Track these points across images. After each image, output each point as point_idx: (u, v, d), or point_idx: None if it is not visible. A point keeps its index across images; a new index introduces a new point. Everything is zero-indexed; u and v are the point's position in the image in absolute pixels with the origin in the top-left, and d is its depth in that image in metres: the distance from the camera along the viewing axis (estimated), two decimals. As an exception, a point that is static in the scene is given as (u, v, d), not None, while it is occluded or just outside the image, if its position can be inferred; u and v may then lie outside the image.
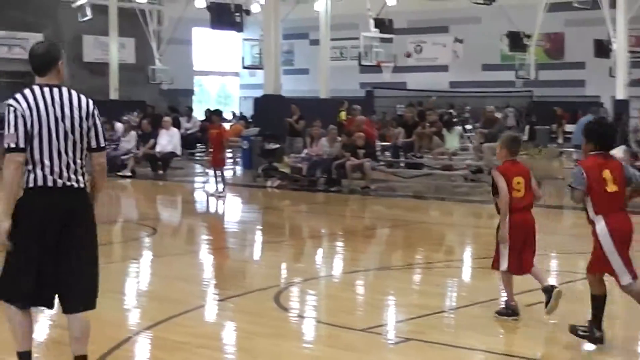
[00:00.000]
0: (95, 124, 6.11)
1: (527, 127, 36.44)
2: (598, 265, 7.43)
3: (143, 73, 49.51)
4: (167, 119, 26.31)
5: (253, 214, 18.97)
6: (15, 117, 5.86)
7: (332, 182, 21.45)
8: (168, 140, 24.84)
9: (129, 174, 24.34)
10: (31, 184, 5.91)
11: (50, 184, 5.91)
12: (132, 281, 11.04)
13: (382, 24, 36.48)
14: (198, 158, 29.06)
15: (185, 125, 29.80)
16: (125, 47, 48.99)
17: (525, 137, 36.74)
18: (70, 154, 5.97)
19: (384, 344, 7.98)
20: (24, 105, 5.90)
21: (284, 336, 8.13)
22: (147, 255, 13.04)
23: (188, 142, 28.19)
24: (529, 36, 41.37)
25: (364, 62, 36.75)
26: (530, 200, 8.45)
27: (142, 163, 25.32)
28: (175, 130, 25.81)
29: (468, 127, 31.08)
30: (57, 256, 6.00)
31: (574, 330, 7.59)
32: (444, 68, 47.32)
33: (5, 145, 5.82)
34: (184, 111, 33.25)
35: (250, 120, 32.86)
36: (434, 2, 43.36)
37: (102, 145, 6.18)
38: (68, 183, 5.97)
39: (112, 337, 7.77)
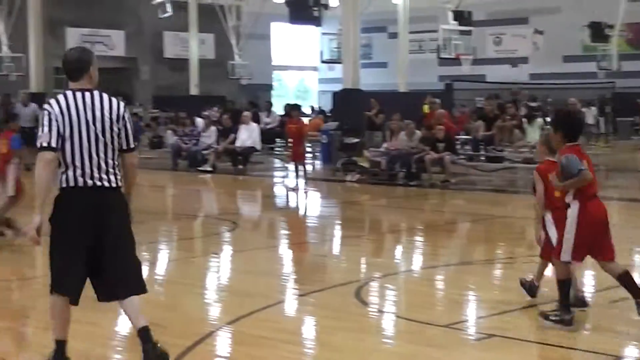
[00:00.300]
0: (125, 126, 6.44)
1: (602, 119, 35.81)
2: (559, 249, 7.90)
3: (223, 68, 49.94)
4: (247, 113, 26.48)
5: (332, 209, 18.98)
6: (49, 119, 6.23)
7: (411, 176, 21.37)
8: (248, 135, 24.99)
9: (210, 168, 24.57)
10: (64, 185, 6.31)
11: (81, 184, 6.27)
12: (213, 276, 11.14)
13: (461, 16, 36.21)
14: (277, 153, 29.20)
15: (265, 120, 29.95)
16: (205, 43, 49.48)
17: (602, 130, 36.20)
18: (102, 155, 6.30)
19: (466, 340, 7.92)
20: (57, 109, 6.26)
21: (365, 331, 8.13)
22: (227, 250, 13.13)
23: (268, 136, 28.33)
24: (611, 26, 40.67)
25: (442, 55, 36.55)
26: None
27: (223, 158, 25.52)
28: (254, 125, 25.96)
29: (549, 119, 30.66)
30: (95, 252, 6.35)
31: (545, 316, 7.99)
32: (523, 60, 46.78)
33: (38, 145, 6.23)
34: (263, 106, 33.42)
35: (329, 114, 32.90)
36: (514, -7, 42.91)
37: (132, 146, 6.51)
38: (99, 183, 6.29)
39: (195, 331, 7.85)
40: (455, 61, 39.09)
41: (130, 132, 6.48)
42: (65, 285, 6.41)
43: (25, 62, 38.36)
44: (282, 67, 57.77)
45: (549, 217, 8.52)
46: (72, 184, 6.28)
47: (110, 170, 6.35)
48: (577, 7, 40.00)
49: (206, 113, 31.06)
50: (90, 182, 6.28)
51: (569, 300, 7.97)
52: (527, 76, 46.40)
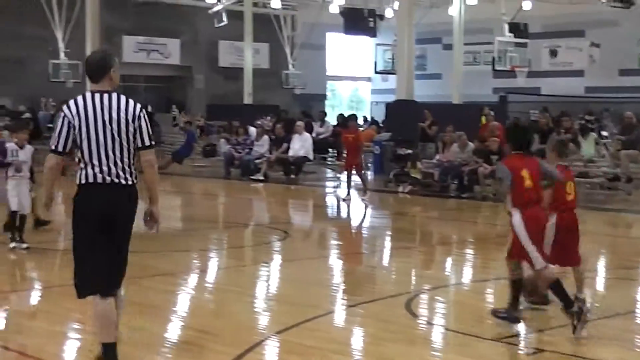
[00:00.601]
0: (140, 126, 6.68)
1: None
2: (516, 253, 8.43)
3: (277, 78, 50.15)
4: (300, 123, 26.54)
5: (384, 220, 18.93)
6: (62, 123, 6.63)
7: (464, 189, 21.25)
8: (300, 144, 25.05)
9: (262, 177, 24.66)
10: (83, 181, 6.64)
11: (100, 180, 6.59)
12: (263, 285, 11.16)
13: (517, 29, 35.97)
14: (330, 163, 29.21)
15: (318, 130, 29.99)
16: (260, 52, 49.70)
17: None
18: (118, 153, 6.60)
19: (516, 354, 7.86)
20: (74, 111, 6.61)
21: (415, 343, 8.09)
22: (278, 259, 13.15)
23: (320, 146, 28.36)
24: (668, 40, 40.14)
25: (497, 67, 36.31)
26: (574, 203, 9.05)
27: (275, 167, 25.59)
28: (307, 134, 26.01)
29: (604, 133, 30.33)
30: (106, 244, 6.66)
31: (494, 313, 8.67)
32: (579, 73, 46.31)
33: (50, 146, 6.68)
34: (316, 116, 33.47)
35: (382, 125, 32.86)
36: (570, 5, 42.46)
37: (148, 144, 6.75)
38: (116, 180, 6.61)
39: (245, 340, 7.87)
40: (510, 73, 38.80)
41: (145, 130, 6.70)
42: (95, 286, 6.64)
43: (81, 70, 38.81)
44: (336, 77, 57.82)
45: (553, 220, 8.79)
46: (91, 180, 6.60)
47: (126, 168, 6.65)
48: (635, 21, 39.49)
49: (259, 122, 31.19)
50: (108, 178, 6.59)
51: (518, 300, 8.60)
52: (583, 89, 45.93)
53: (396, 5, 34.65)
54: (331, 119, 34.35)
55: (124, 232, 6.80)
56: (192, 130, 29.16)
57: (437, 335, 8.65)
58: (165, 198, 16.17)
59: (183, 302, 9.95)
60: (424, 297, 10.18)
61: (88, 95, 6.65)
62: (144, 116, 6.73)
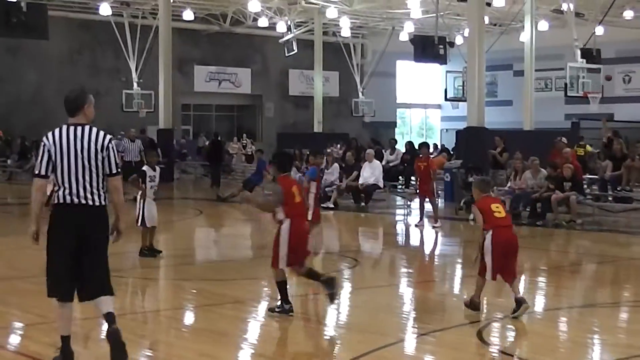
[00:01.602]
0: (109, 155, 7.63)
1: None
2: (276, 260, 10.06)
3: (346, 106, 50.29)
4: (370, 151, 26.54)
5: (454, 247, 18.79)
6: (43, 151, 7.59)
7: (536, 216, 21.01)
8: (371, 172, 25.03)
9: (332, 205, 24.67)
10: (56, 201, 7.58)
11: (69, 201, 7.53)
12: (333, 312, 11.13)
13: (590, 54, 35.56)
14: (400, 190, 29.12)
15: (388, 158, 29.95)
16: (330, 81, 49.95)
17: None
18: (87, 178, 7.54)
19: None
20: (51, 141, 7.56)
21: (486, 373, 7.99)
22: (348, 287, 13.12)
23: (390, 174, 28.30)
24: None
25: (570, 93, 35.90)
26: (510, 220, 10.60)
27: (345, 195, 25.59)
28: (377, 162, 25.98)
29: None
30: (78, 257, 7.56)
31: (271, 310, 10.19)
32: (651, 99, 45.66)
33: (34, 171, 7.63)
34: (386, 143, 33.43)
35: (452, 152, 32.70)
36: (644, 31, 41.95)
37: (115, 171, 7.68)
38: (84, 201, 7.54)
39: (314, 367, 7.85)
40: (583, 99, 38.38)
41: (112, 159, 7.66)
42: (58, 291, 7.62)
43: (154, 99, 39.36)
44: (405, 104, 57.79)
45: (489, 236, 10.30)
46: (62, 201, 7.55)
47: (95, 191, 7.59)
48: None
49: (329, 150, 31.25)
50: (76, 200, 7.53)
51: (287, 295, 10.16)
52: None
53: (466, 32, 34.54)
54: (401, 147, 34.26)
55: (95, 247, 7.64)
56: (263, 159, 29.31)
57: (510, 365, 8.53)
58: (236, 226, 16.31)
59: (253, 329, 9.97)
60: (496, 326, 10.06)
61: (64, 127, 7.61)
62: (112, 147, 7.67)
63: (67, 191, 7.54)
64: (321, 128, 44.02)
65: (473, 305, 10.46)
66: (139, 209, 14.73)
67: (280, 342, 9.23)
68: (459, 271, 15.26)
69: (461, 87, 41.31)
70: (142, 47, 40.96)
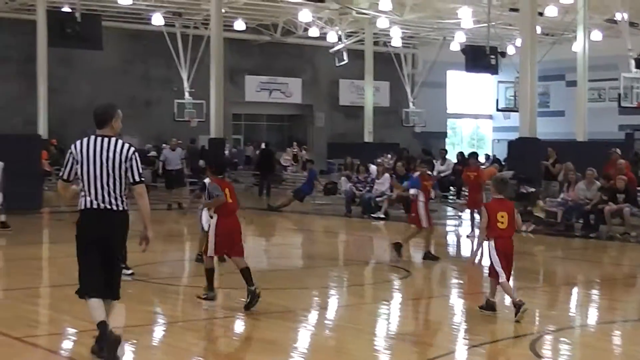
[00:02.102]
0: (132, 166, 8.26)
1: None
2: (207, 249, 11.41)
3: (397, 116, 50.19)
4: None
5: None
6: (68, 158, 8.34)
7: (589, 228, 20.78)
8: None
9: (383, 215, 24.61)
10: (82, 207, 8.29)
11: (95, 206, 8.20)
12: (384, 323, 11.10)
13: (644, 64, 35.16)
14: (451, 201, 28.96)
15: (439, 168, 29.81)
16: (380, 91, 49.88)
17: None
18: (111, 185, 8.20)
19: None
20: (78, 150, 8.27)
21: (539, 386, 7.90)
22: (398, 297, 13.07)
23: (442, 184, 28.14)
24: None
25: (623, 104, 35.53)
26: (511, 231, 10.87)
27: (396, 205, 25.53)
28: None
29: None
30: (100, 258, 8.25)
31: (200, 297, 11.45)
32: None
33: (60, 175, 8.50)
34: (437, 154, 33.31)
35: (503, 163, 32.49)
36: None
37: (138, 180, 8.31)
38: (108, 206, 8.20)
39: (364, 378, 7.82)
40: (637, 110, 37.95)
41: (135, 169, 8.26)
42: (89, 291, 8.25)
43: (205, 109, 39.57)
44: (456, 114, 57.55)
45: (491, 244, 10.78)
46: (88, 206, 8.23)
47: (118, 197, 8.24)
48: None
49: (379, 160, 31.19)
50: (102, 205, 8.19)
51: (213, 283, 11.53)
52: None
53: (518, 42, 34.35)
54: (452, 157, 34.13)
55: (115, 250, 8.37)
56: (313, 169, 29.37)
57: (563, 378, 8.43)
58: (286, 235, 16.35)
59: (303, 339, 9.96)
60: (549, 339, 9.95)
61: (92, 138, 8.28)
62: (135, 158, 8.30)
63: (92, 197, 8.22)
64: (371, 138, 43.97)
65: (489, 306, 10.99)
66: (201, 217, 14.92)
67: (331, 351, 9.20)
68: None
69: (513, 98, 41.07)
70: (193, 57, 41.23)
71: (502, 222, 10.81)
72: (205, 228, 14.81)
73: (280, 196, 30.84)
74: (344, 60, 45.00)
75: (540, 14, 34.01)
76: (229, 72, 44.52)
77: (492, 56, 34.95)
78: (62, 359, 8.65)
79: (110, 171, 8.18)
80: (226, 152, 40.18)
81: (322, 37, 44.60)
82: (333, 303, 12.59)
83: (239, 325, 10.64)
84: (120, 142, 8.28)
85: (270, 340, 9.44)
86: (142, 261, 15.41)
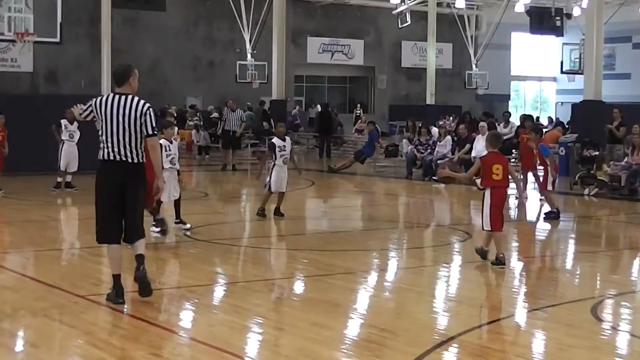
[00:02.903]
0: (146, 121, 8.94)
1: None
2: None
3: (459, 78, 49.81)
4: (484, 124, 26.23)
5: (568, 223, 18.47)
6: (89, 107, 9.09)
7: (653, 192, 20.51)
8: (484, 145, 24.71)
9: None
10: (101, 157, 9.00)
11: (112, 158, 8.93)
12: (444, 285, 11.11)
13: None
14: (513, 163, 28.70)
15: (502, 131, 29.51)
16: (443, 53, 49.53)
17: None
18: (127, 139, 8.90)
19: None
20: (98, 106, 9.00)
21: (599, 349, 7.87)
22: (459, 260, 13.06)
23: (504, 147, 27.90)
24: None
25: (691, 66, 34.87)
26: (506, 182, 11.74)
27: (457, 168, 25.40)
28: (490, 135, 25.65)
29: None
30: (121, 206, 8.97)
31: (152, 228, 13.12)
32: None
33: (79, 112, 9.27)
34: (500, 116, 33.02)
35: (567, 126, 32.12)
36: None
37: (151, 133, 9.02)
38: (124, 158, 8.92)
39: (425, 340, 7.86)
40: None
41: (149, 124, 8.95)
42: (107, 236, 9.05)
43: (267, 70, 39.62)
44: (520, 77, 56.93)
45: (487, 193, 11.64)
46: (106, 157, 8.95)
47: (134, 150, 8.93)
48: None
49: (441, 122, 31.02)
50: (118, 157, 8.90)
51: (165, 224, 13.33)
52: None
53: (584, 3, 33.83)
54: (515, 120, 33.81)
55: (133, 196, 9.00)
56: (374, 130, 29.31)
57: (623, 342, 8.38)
58: (347, 197, 16.40)
59: (364, 300, 10.02)
60: (610, 303, 9.88)
61: (111, 95, 9.02)
62: (150, 113, 8.95)
63: (110, 149, 8.93)
64: (434, 100, 43.70)
65: (481, 253, 11.90)
66: (269, 175, 15.79)
67: (391, 313, 9.24)
68: (572, 246, 15.04)
69: (578, 60, 40.50)
70: (256, 18, 41.21)
71: (497, 174, 11.60)
72: (275, 189, 15.76)
73: (342, 158, 30.87)
74: (406, 21, 44.69)
75: (608, -26, 33.40)
76: (292, 34, 44.51)
77: (558, 18, 34.53)
78: (125, 317, 8.81)
79: (127, 126, 8.88)
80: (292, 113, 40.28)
81: (385, -2, 44.29)
82: (393, 265, 12.62)
83: (299, 286, 10.73)
84: (136, 99, 8.97)
85: (330, 302, 9.50)
86: (205, 222, 15.62)
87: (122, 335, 8.11)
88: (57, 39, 23.70)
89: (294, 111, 44.25)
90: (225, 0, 41.51)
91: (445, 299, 10.16)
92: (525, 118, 21.96)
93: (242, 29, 42.05)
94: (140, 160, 9.00)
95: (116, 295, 9.05)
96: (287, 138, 16.25)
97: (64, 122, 19.83)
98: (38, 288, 9.99)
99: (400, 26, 45.37)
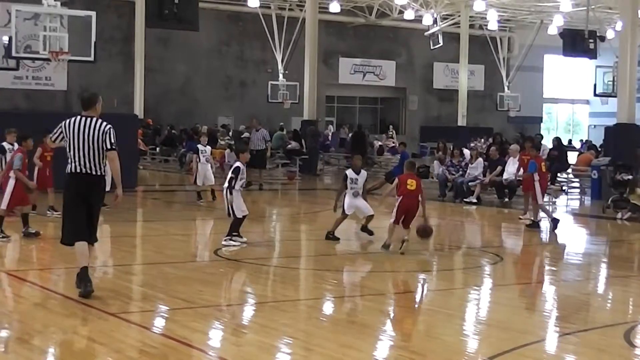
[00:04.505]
0: (106, 139, 10.38)
1: None
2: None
3: (491, 100, 49.71)
4: (515, 146, 26.11)
5: (600, 246, 18.34)
6: (58, 129, 10.55)
7: (687, 217, 20.30)
8: (515, 168, 24.63)
9: (475, 200, 24.41)
10: (69, 171, 10.42)
11: (78, 170, 10.36)
12: (474, 308, 11.03)
13: None
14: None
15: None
16: (475, 74, 49.48)
17: None
18: (91, 154, 10.34)
19: None
20: (67, 125, 10.45)
21: (632, 376, 7.77)
22: (489, 283, 12.97)
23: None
24: None
25: None
26: (417, 193, 14.46)
27: (488, 190, 25.30)
28: (522, 158, 25.54)
29: None
30: (83, 211, 10.39)
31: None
32: None
33: (49, 136, 10.88)
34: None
35: (599, 149, 31.92)
36: None
37: (110, 147, 10.39)
38: (89, 171, 10.36)
39: (454, 363, 7.79)
40: None
41: (108, 140, 10.36)
42: (77, 235, 10.42)
43: (299, 90, 39.72)
44: (552, 99, 56.71)
45: (399, 200, 14.46)
46: (73, 170, 10.38)
47: (97, 164, 10.37)
48: None
49: (473, 144, 30.91)
50: (83, 170, 10.34)
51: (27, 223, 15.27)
52: None
53: (618, 25, 33.66)
54: (547, 142, 33.64)
55: (95, 204, 10.53)
56: (405, 151, 29.24)
57: (657, 369, 8.28)
58: (378, 219, 16.34)
59: (393, 322, 9.96)
60: (643, 328, 9.76)
61: (78, 117, 10.46)
62: (110, 132, 10.39)
63: (77, 163, 10.34)
64: (465, 122, 43.62)
65: (385, 245, 14.61)
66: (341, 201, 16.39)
67: (421, 335, 9.19)
68: (604, 271, 14.90)
69: (611, 83, 40.26)
70: (288, 39, 41.39)
71: (411, 185, 14.43)
72: (348, 212, 16.23)
73: (372, 179, 30.82)
74: (439, 43, 44.67)
75: (642, -3, 33.22)
76: (323, 54, 44.60)
77: (591, 40, 34.35)
78: (155, 335, 8.81)
79: (91, 144, 10.34)
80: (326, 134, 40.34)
81: (418, 19, 44.33)
82: (423, 287, 12.55)
83: (329, 307, 10.69)
84: (100, 120, 10.48)
85: (360, 323, 9.46)
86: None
87: (151, 353, 8.10)
88: (91, 58, 23.86)
89: (325, 131, 44.30)
90: (258, 20, 41.72)
91: (475, 322, 10.08)
92: (526, 139, 21.93)
93: (274, 49, 42.23)
94: (102, 173, 10.46)
95: (85, 286, 10.23)
96: (363, 172, 16.43)
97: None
98: (68, 305, 10.02)
99: (432, 47, 45.35)
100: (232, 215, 14.86)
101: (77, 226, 10.42)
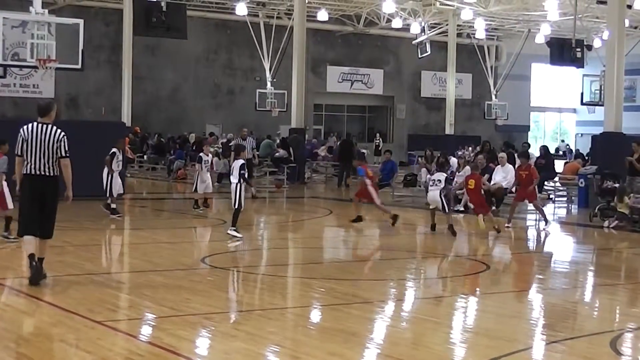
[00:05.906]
0: (60, 145, 11.37)
1: None
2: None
3: (479, 108, 49.85)
4: (503, 155, 26.18)
5: (587, 255, 18.39)
6: (19, 139, 11.39)
7: (674, 225, 20.37)
8: (503, 176, 24.67)
9: (462, 208, 24.42)
10: (25, 172, 11.41)
11: (33, 172, 11.36)
12: (461, 316, 11.04)
13: None
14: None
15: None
16: (462, 83, 49.60)
17: None
18: (46, 157, 11.33)
19: None
20: (24, 132, 11.39)
21: (618, 384, 7.78)
22: (477, 291, 12.98)
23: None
24: None
25: None
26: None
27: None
28: (510, 166, 25.56)
29: None
30: (39, 209, 11.42)
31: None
32: None
33: (15, 151, 11.51)
34: (519, 147, 32.93)
35: (587, 157, 32.01)
36: None
37: (64, 155, 11.37)
38: (43, 172, 11.36)
39: (441, 371, 7.79)
40: None
41: (62, 147, 11.35)
42: (29, 229, 11.47)
43: (287, 98, 39.74)
44: (540, 108, 56.88)
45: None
46: (29, 172, 11.36)
47: (50, 167, 11.34)
48: None
49: (460, 153, 30.96)
50: (39, 172, 11.33)
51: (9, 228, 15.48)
52: None
53: (605, 34, 33.81)
54: (534, 151, 33.74)
55: (50, 203, 11.50)
56: (392, 160, 29.27)
57: (643, 377, 8.30)
58: (365, 227, 16.34)
59: (380, 330, 9.97)
60: (630, 336, 9.79)
61: (35, 124, 11.42)
62: (63, 139, 11.37)
63: (33, 166, 11.31)
64: (453, 130, 43.70)
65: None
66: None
67: (408, 343, 9.19)
68: (590, 279, 14.93)
69: (598, 91, 40.45)
70: (276, 47, 41.42)
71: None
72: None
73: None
74: (426, 51, 44.78)
75: (629, 6, 33.39)
76: (311, 63, 44.67)
77: (578, 49, 34.48)
78: (142, 343, 8.79)
79: (46, 148, 11.28)
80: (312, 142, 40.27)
81: (405, 28, 44.45)
82: (411, 295, 12.56)
83: (316, 315, 10.69)
84: (54, 128, 11.42)
85: (347, 331, 9.46)
86: (222, 249, 15.62)
87: (137, 362, 8.09)
88: (79, 66, 23.82)
89: (312, 140, 44.30)
90: (246, 28, 41.77)
91: (463, 330, 10.09)
92: (520, 155, 22.25)
93: (262, 57, 42.27)
94: (56, 174, 11.40)
95: (35, 272, 11.33)
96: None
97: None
98: (55, 313, 9.99)
99: (420, 56, 45.46)
100: (238, 205, 16.77)
101: (28, 221, 11.48)
